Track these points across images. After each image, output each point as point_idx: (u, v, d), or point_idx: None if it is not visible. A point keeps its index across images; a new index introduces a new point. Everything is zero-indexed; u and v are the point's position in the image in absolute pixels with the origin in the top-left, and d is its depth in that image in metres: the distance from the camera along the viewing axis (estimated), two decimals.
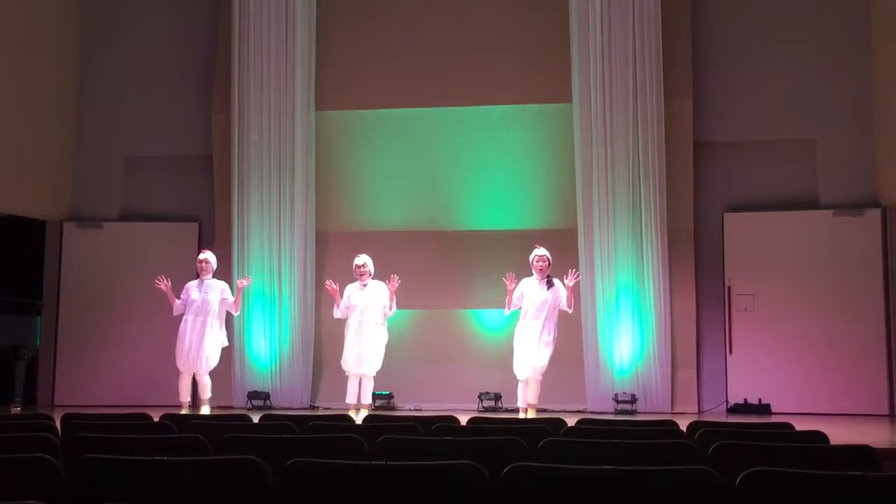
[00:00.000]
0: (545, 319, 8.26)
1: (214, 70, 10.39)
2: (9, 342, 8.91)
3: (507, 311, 8.51)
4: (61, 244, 10.29)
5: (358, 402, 8.77)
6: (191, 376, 8.92)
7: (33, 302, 9.70)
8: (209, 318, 8.82)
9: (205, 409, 8.80)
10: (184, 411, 8.57)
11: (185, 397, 8.88)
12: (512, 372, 8.56)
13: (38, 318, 9.48)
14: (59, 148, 10.48)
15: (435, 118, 10.20)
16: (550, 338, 8.27)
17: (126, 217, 10.50)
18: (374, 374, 8.79)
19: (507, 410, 9.19)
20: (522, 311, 8.37)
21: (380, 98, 10.17)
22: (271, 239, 9.98)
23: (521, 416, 8.24)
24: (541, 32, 9.99)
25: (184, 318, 8.88)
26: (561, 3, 9.80)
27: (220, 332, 8.95)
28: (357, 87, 10.21)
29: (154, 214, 10.41)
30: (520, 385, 8.41)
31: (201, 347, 8.79)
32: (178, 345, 8.84)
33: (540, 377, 8.31)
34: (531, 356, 8.26)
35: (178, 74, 10.59)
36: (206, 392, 8.92)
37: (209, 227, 10.28)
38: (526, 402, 8.33)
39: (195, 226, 10.34)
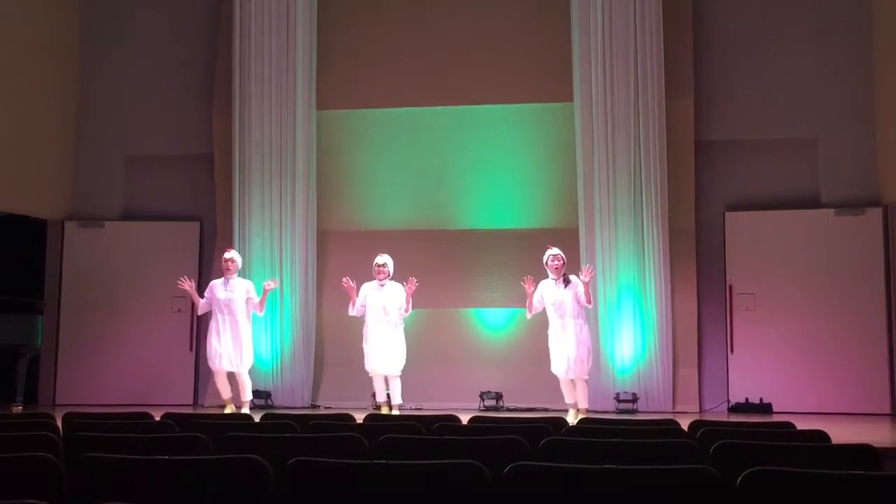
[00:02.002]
0: (573, 317, 8.20)
1: (215, 69, 10.39)
2: (10, 341, 8.91)
3: (528, 315, 8.41)
4: (63, 243, 10.29)
5: (388, 401, 8.71)
6: (225, 374, 8.70)
7: (35, 301, 9.71)
8: (239, 317, 8.67)
9: (245, 410, 8.57)
10: (228, 409, 8.47)
11: (228, 393, 8.70)
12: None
13: (40, 317, 9.48)
14: (60, 147, 10.48)
15: (436, 117, 10.20)
16: (585, 334, 8.23)
17: (127, 216, 10.50)
18: (400, 373, 8.72)
19: (508, 409, 9.19)
20: (548, 313, 8.30)
21: (381, 97, 10.17)
22: (272, 238, 9.98)
23: (571, 412, 8.18)
24: (542, 32, 9.99)
25: (213, 317, 8.74)
26: (562, 2, 9.81)
27: (249, 328, 8.80)
28: (358, 86, 10.21)
29: (155, 214, 10.41)
30: (562, 384, 8.33)
31: (239, 346, 8.63)
32: (211, 345, 8.66)
33: (587, 376, 8.26)
34: (570, 357, 8.16)
35: (179, 74, 10.59)
36: (247, 393, 8.79)
37: (210, 226, 10.28)
38: (575, 404, 8.26)
39: (196, 225, 10.35)
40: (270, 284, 8.83)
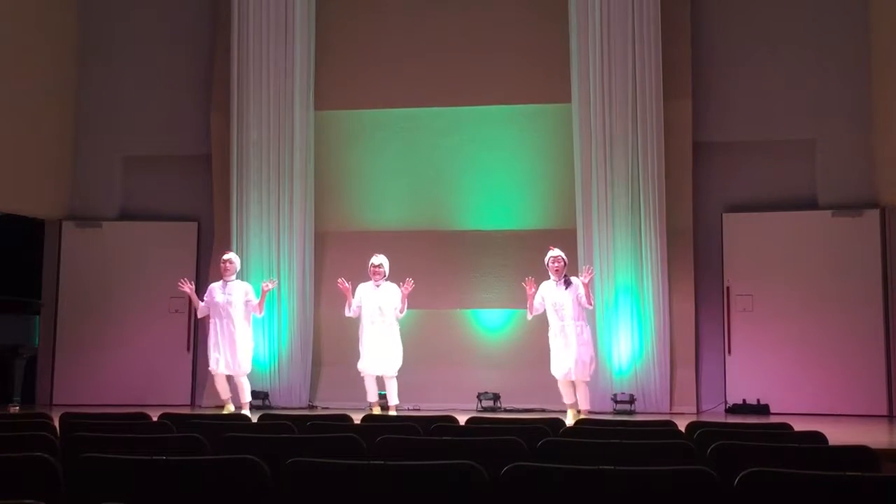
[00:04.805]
0: (574, 319, 8.17)
1: (213, 70, 10.39)
2: (7, 341, 8.91)
3: (529, 316, 8.35)
4: (60, 243, 10.29)
5: (380, 402, 8.73)
6: (224, 377, 8.74)
7: (32, 301, 9.70)
8: (236, 320, 8.69)
9: (246, 412, 8.55)
10: (227, 409, 8.49)
11: (227, 394, 8.75)
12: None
13: (37, 317, 9.48)
14: (58, 147, 10.47)
15: (434, 118, 10.20)
16: (587, 336, 8.19)
17: (125, 216, 10.50)
18: (396, 374, 8.71)
19: (505, 410, 9.19)
20: (549, 315, 8.26)
21: (378, 98, 10.17)
22: (270, 239, 9.98)
23: (570, 412, 8.14)
24: (540, 32, 10.00)
25: (211, 321, 8.76)
26: (560, 3, 9.81)
27: (248, 331, 8.83)
28: (356, 86, 10.21)
29: (153, 214, 10.41)
30: (561, 385, 8.25)
31: (235, 350, 8.66)
32: (211, 349, 8.71)
33: (589, 378, 8.22)
34: (572, 359, 8.09)
35: (177, 74, 10.59)
36: (245, 395, 8.80)
37: (208, 226, 10.28)
38: (575, 404, 8.20)
39: (194, 225, 10.34)
40: (269, 285, 8.87)
